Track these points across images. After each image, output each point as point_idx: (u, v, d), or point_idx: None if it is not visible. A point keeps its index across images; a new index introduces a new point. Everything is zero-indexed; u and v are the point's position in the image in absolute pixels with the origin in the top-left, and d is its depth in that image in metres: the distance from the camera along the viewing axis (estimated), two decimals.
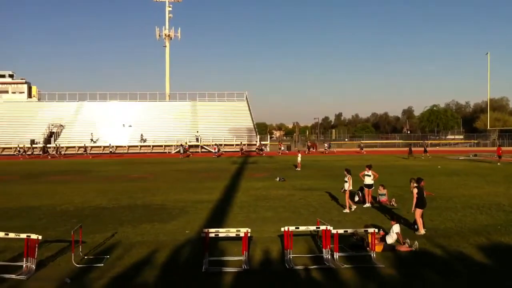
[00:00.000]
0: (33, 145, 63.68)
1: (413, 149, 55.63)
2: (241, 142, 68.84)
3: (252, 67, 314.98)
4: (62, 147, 64.75)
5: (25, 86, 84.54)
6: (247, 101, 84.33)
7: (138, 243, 13.09)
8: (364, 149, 69.01)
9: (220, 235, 11.33)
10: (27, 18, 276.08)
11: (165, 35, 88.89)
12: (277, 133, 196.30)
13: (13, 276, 9.99)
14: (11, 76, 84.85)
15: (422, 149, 57.36)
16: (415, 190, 14.37)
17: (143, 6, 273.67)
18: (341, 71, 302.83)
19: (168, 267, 10.87)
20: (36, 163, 48.55)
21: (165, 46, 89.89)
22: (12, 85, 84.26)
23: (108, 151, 65.75)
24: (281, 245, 12.26)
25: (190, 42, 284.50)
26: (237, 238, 11.40)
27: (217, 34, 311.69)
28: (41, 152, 62.81)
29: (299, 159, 38.04)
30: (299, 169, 36.47)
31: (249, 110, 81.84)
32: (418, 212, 14.11)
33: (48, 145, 65.67)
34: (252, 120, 79.60)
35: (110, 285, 9.66)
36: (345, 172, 18.68)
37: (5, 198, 22.09)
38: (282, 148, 68.18)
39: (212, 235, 11.04)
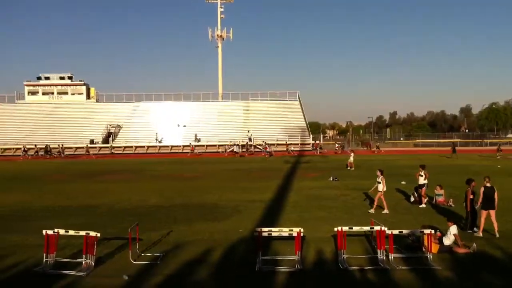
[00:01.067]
0: (37, 146, 64.21)
1: (471, 148, 53.81)
2: (264, 142, 66.86)
3: (305, 65, 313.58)
4: (65, 148, 65.14)
5: (84, 87, 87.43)
6: (300, 100, 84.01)
7: (192, 241, 13.31)
8: (382, 149, 67.09)
9: (273, 234, 11.41)
10: (86, 23, 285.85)
11: (217, 35, 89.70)
12: (330, 132, 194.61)
13: (73, 272, 10.38)
14: (70, 78, 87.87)
15: (496, 148, 55.77)
16: (481, 189, 13.97)
17: (195, 7, 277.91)
18: (396, 68, 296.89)
19: (222, 265, 11.02)
20: (77, 163, 50.07)
21: (218, 46, 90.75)
22: (72, 86, 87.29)
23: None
24: (335, 245, 12.18)
25: (242, 42, 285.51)
26: (290, 237, 11.42)
27: (268, 33, 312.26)
28: (42, 153, 62.82)
29: (351, 158, 37.58)
30: (353, 168, 36.03)
31: (302, 109, 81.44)
32: (483, 213, 13.72)
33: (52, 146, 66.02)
34: (305, 119, 79.15)
35: (166, 282, 9.89)
36: (378, 173, 18.14)
37: (66, 197, 22.94)
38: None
39: (265, 234, 11.11)
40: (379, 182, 17.82)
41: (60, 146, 64.69)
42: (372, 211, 17.64)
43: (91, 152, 63.74)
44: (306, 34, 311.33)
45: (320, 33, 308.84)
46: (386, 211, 17.56)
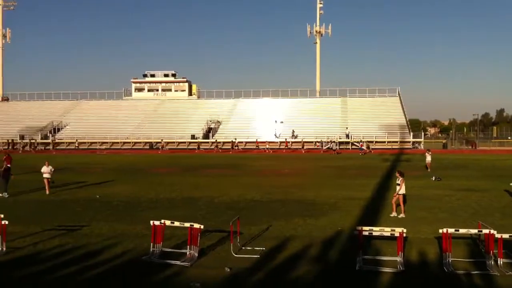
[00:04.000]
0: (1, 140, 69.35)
1: None
2: (235, 139, 67.81)
3: (406, 60, 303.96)
4: (36, 143, 69.16)
5: (186, 84, 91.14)
6: (400, 97, 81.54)
7: (291, 237, 13.42)
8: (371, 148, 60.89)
9: (374, 233, 11.21)
10: (189, 23, 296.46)
11: (316, 31, 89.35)
12: (431, 130, 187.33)
13: (178, 262, 10.84)
14: (173, 75, 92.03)
15: None
16: None
17: (294, 4, 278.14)
18: (503, 63, 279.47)
19: (322, 263, 11.00)
20: (179, 157, 51.75)
21: (316, 42, 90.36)
22: (175, 83, 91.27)
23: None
24: (439, 248, 11.76)
25: (341, 38, 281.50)
26: (391, 237, 11.16)
27: (368, 29, 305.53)
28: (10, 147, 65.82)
29: (428, 158, 34.16)
30: (429, 170, 32.82)
31: (402, 106, 79.04)
32: None
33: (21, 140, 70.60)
34: (405, 116, 76.70)
35: (267, 277, 10.05)
36: (397, 174, 17.04)
37: (171, 189, 23.98)
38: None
39: (366, 233, 10.94)
40: (398, 184, 16.74)
41: (30, 140, 69.75)
42: (393, 214, 16.62)
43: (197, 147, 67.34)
44: (405, 28, 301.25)
45: (421, 27, 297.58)
46: (394, 213, 16.61)
